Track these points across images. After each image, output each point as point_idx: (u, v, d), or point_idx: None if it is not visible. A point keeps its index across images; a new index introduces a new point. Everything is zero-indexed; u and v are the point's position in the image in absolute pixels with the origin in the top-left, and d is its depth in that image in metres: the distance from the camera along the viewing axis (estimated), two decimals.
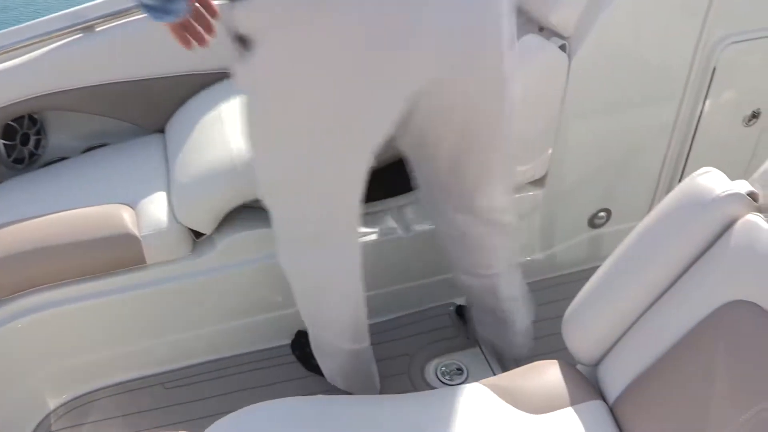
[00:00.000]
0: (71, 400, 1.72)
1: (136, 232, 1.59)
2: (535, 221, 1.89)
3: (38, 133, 1.91)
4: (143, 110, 1.90)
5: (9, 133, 1.83)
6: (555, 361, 1.26)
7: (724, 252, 1.06)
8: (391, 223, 1.81)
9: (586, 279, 1.24)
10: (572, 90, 1.65)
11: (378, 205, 1.83)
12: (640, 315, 1.15)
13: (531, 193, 1.83)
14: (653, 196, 1.98)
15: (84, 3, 1.81)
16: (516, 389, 1.20)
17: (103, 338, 1.70)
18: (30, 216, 1.63)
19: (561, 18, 1.60)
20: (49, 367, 1.68)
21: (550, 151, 1.75)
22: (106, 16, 1.80)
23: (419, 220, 1.80)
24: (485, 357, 1.79)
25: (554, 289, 1.98)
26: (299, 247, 1.35)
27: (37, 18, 1.79)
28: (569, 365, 1.26)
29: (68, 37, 1.79)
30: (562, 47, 1.61)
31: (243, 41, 1.06)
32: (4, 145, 1.84)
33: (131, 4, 1.76)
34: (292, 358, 1.81)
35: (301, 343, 1.76)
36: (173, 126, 1.88)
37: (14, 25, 1.80)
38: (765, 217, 1.05)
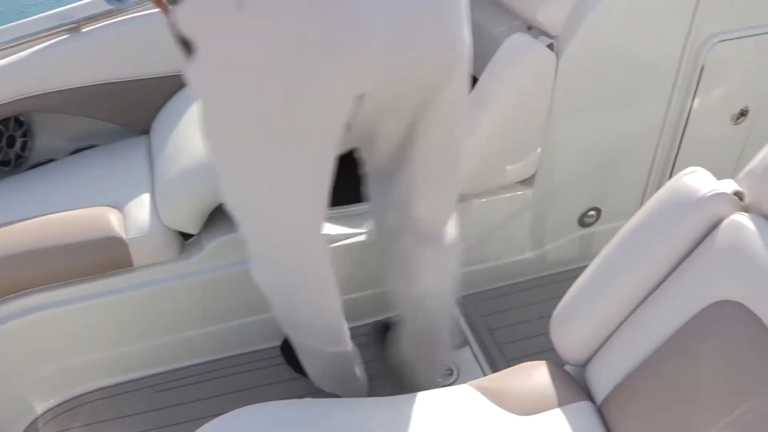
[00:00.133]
0: (60, 404, 1.71)
1: (123, 234, 1.58)
2: (525, 220, 1.89)
3: (24, 135, 1.89)
4: (130, 112, 1.89)
5: None
6: (543, 362, 1.25)
7: (710, 252, 1.06)
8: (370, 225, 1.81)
9: (577, 278, 1.24)
10: (561, 89, 1.65)
11: (355, 208, 1.82)
12: (626, 316, 1.15)
13: (520, 193, 1.83)
14: (643, 194, 1.98)
15: (70, 3, 1.80)
16: (504, 391, 1.19)
17: (90, 342, 1.69)
18: (16, 219, 1.62)
19: (549, 17, 1.60)
20: (37, 370, 1.67)
21: (539, 150, 1.75)
22: (93, 17, 1.79)
23: None
24: (476, 358, 1.78)
25: (545, 289, 1.98)
26: (266, 257, 1.33)
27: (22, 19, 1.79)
28: (557, 366, 1.25)
29: (54, 38, 1.78)
30: (550, 46, 1.61)
31: (186, 44, 1.04)
32: None
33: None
34: (281, 360, 1.80)
35: (289, 346, 1.75)
36: (156, 127, 1.87)
37: None
38: (751, 216, 1.05)
